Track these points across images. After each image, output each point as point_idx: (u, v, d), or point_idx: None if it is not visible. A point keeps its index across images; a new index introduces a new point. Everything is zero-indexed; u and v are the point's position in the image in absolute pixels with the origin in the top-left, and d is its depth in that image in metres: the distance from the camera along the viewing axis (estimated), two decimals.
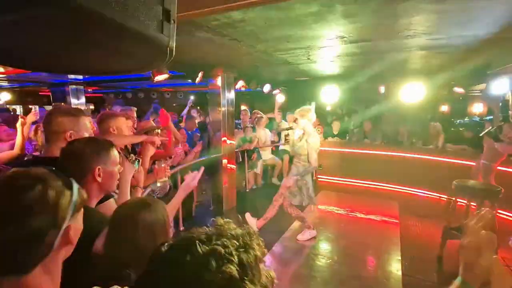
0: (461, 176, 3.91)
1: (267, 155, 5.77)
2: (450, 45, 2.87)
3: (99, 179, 1.04)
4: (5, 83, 6.84)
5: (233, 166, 4.69)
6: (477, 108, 5.57)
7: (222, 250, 0.45)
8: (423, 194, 5.06)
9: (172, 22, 0.59)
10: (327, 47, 3.08)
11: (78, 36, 0.56)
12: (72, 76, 5.28)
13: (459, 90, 5.62)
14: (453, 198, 3.72)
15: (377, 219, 4.13)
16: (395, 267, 2.91)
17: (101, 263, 0.88)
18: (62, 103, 5.43)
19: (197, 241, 0.47)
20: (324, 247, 3.38)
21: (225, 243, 0.47)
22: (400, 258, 3.06)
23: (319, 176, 6.03)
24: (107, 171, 1.06)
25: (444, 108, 7.38)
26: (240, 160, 5.05)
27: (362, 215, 4.23)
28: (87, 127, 1.39)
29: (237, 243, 0.47)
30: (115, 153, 1.11)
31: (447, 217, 3.09)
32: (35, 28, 0.57)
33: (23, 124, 2.63)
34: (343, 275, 2.80)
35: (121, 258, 0.85)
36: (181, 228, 3.72)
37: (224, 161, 4.52)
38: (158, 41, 0.57)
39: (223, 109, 4.41)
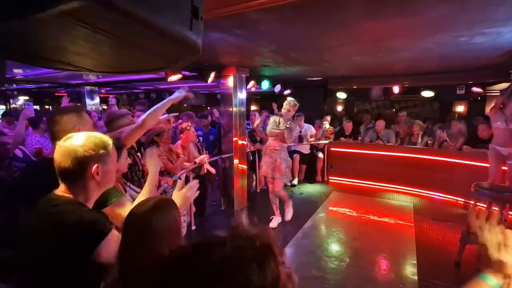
0: (479, 179, 3.79)
1: None
2: (470, 42, 2.78)
3: (97, 178, 1.00)
4: (23, 84, 7.06)
5: (244, 167, 4.69)
6: None
7: (240, 254, 0.44)
8: (439, 197, 4.92)
9: (200, 19, 0.59)
10: (342, 46, 3.03)
11: (105, 34, 0.56)
12: (86, 77, 5.41)
13: (477, 89, 5.45)
14: (472, 202, 3.60)
15: (391, 221, 4.04)
16: (411, 271, 2.84)
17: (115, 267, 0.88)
18: (78, 103, 5.57)
19: (213, 246, 0.46)
20: (337, 249, 3.33)
21: (242, 245, 0.45)
22: (415, 262, 2.98)
23: (330, 177, 5.95)
24: (105, 169, 1.02)
25: (461, 108, 7.17)
26: (251, 159, 5.05)
27: (376, 218, 4.15)
28: (90, 122, 1.43)
29: (255, 244, 0.46)
30: (113, 150, 1.07)
31: (467, 221, 2.98)
32: (63, 25, 0.57)
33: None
34: (357, 278, 2.75)
35: (134, 263, 0.83)
36: (193, 228, 3.74)
37: (236, 161, 4.52)
38: (186, 38, 0.57)
39: (234, 109, 4.41)
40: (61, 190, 1.00)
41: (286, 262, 0.49)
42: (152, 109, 1.65)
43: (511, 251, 0.67)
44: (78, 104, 5.43)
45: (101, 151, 1.00)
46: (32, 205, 1.02)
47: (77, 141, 0.98)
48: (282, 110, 3.68)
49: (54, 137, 1.33)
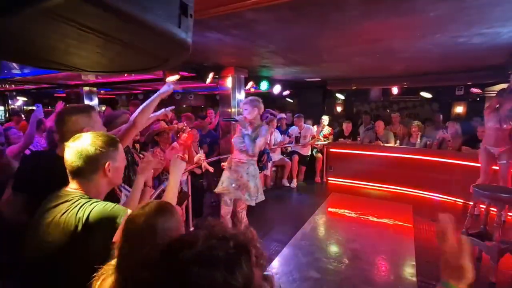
0: (477, 180, 3.78)
1: (276, 156, 5.73)
2: (469, 43, 2.77)
3: (109, 175, 1.03)
4: (22, 85, 7.05)
5: None
6: None
7: (209, 255, 0.44)
8: (438, 198, 4.91)
9: (190, 16, 0.58)
10: (340, 47, 3.03)
11: (91, 31, 0.55)
12: (85, 78, 5.40)
13: (476, 90, 5.45)
14: (471, 203, 3.58)
15: (390, 222, 4.02)
16: (409, 272, 2.82)
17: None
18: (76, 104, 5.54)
19: (183, 247, 0.46)
20: (336, 250, 3.31)
21: (214, 245, 0.45)
22: (414, 263, 2.97)
23: (329, 178, 5.94)
24: (115, 165, 1.05)
25: (460, 109, 7.16)
26: None
27: (375, 219, 4.13)
28: (99, 122, 1.40)
29: (229, 245, 0.46)
30: (121, 147, 1.10)
31: (466, 222, 2.97)
32: (51, 23, 0.56)
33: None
34: (356, 279, 2.73)
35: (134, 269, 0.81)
36: (191, 228, 3.73)
37: None
38: (175, 35, 0.56)
39: (233, 110, 4.40)
40: (72, 187, 1.01)
41: (264, 263, 0.48)
42: (141, 106, 1.61)
43: (468, 257, 0.65)
44: (89, 104, 5.40)
45: (111, 148, 1.03)
46: (34, 198, 1.01)
47: (86, 140, 1.00)
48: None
49: (62, 138, 1.28)
